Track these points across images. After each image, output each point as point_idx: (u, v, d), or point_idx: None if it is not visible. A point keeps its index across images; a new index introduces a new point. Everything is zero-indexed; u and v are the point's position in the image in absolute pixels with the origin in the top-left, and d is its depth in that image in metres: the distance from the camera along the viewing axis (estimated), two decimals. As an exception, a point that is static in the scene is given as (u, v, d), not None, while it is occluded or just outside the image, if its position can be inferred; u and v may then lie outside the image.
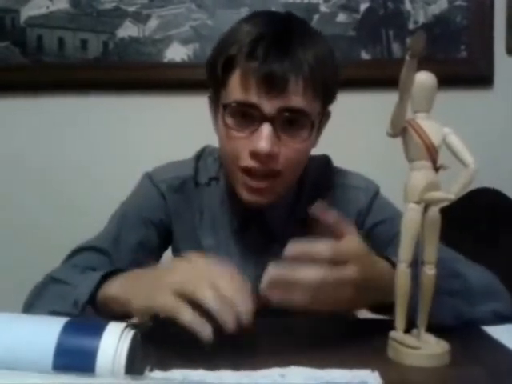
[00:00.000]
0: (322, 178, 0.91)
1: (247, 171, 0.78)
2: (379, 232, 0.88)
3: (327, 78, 0.79)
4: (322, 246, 0.61)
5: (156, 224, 0.89)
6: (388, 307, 0.66)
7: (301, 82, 0.74)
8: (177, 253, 0.92)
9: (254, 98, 0.74)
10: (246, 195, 0.80)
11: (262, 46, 0.74)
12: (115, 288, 0.68)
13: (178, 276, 0.62)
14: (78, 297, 0.69)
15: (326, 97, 0.81)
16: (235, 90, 0.76)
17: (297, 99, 0.75)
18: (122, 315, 0.66)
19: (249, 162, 0.77)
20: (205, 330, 0.57)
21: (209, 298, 0.58)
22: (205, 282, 0.59)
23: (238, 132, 0.77)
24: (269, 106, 0.74)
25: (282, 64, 0.73)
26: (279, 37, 0.76)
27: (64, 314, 0.69)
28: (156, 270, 0.67)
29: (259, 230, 0.87)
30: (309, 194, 0.88)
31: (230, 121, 0.78)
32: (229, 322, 0.57)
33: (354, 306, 0.69)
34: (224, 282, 0.59)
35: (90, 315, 0.68)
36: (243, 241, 0.88)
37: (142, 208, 0.89)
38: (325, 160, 0.94)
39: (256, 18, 0.81)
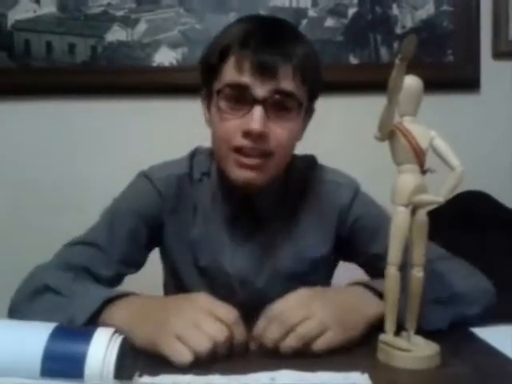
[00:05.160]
0: (307, 173, 0.94)
1: (239, 150, 0.81)
2: (360, 226, 0.91)
3: (312, 70, 0.84)
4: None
5: (149, 221, 0.90)
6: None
7: (290, 69, 0.80)
8: (166, 252, 0.93)
9: (246, 79, 0.79)
10: (236, 171, 0.82)
11: (254, 38, 0.80)
12: (119, 318, 0.68)
13: (182, 321, 0.64)
14: (75, 316, 0.68)
15: (312, 88, 0.85)
16: (229, 73, 0.80)
17: (286, 83, 0.80)
18: None
19: (241, 141, 0.80)
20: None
21: (204, 347, 0.61)
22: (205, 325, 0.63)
23: (231, 114, 0.81)
24: (260, 88, 0.79)
25: (271, 55, 0.78)
26: (269, 32, 0.82)
27: None
28: (161, 307, 0.69)
29: (248, 219, 0.90)
30: (295, 186, 0.93)
31: (223, 104, 0.81)
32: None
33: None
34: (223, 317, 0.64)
35: None
36: (233, 229, 0.90)
37: (136, 204, 0.90)
38: (311, 158, 0.98)
39: (248, 18, 0.88)
